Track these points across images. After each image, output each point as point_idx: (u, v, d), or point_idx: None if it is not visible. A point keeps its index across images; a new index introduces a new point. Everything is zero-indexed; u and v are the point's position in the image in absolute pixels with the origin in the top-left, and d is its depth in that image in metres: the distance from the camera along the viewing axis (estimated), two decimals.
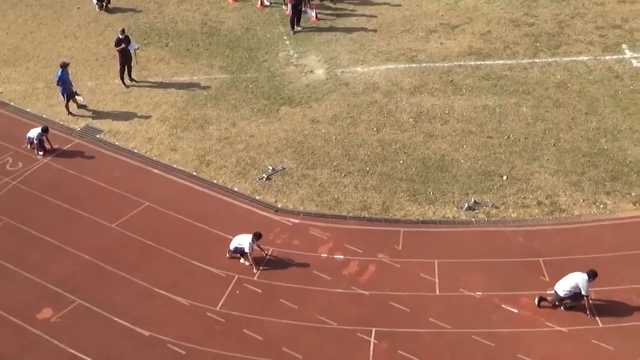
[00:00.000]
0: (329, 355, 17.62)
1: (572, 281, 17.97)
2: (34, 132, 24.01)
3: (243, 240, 19.72)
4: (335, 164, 23.35)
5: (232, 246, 19.90)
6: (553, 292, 18.29)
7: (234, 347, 17.89)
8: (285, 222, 21.44)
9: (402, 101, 25.86)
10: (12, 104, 26.84)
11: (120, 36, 27.00)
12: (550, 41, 28.66)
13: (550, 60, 27.60)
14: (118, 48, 26.96)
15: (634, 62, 27.27)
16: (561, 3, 31.05)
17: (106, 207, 22.03)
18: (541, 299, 18.43)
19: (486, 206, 21.55)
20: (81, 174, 23.41)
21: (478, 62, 27.69)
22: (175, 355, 17.77)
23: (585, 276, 17.92)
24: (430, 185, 22.36)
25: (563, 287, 18.03)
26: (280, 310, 18.76)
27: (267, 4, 32.36)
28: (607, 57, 27.59)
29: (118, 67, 27.42)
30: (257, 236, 19.77)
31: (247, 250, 19.63)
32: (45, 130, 24.08)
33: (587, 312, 18.14)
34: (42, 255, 20.54)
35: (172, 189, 22.77)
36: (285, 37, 30.07)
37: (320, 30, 30.40)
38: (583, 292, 17.88)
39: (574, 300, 18.13)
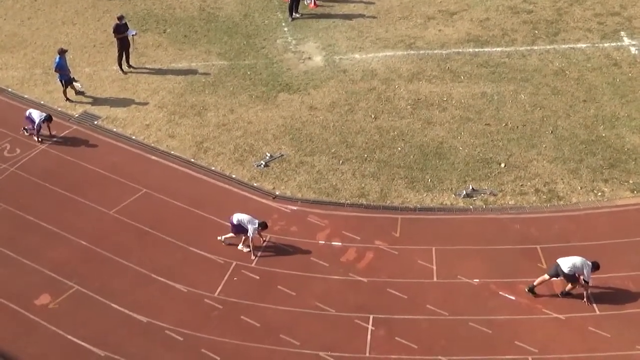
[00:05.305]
0: (327, 342, 17.66)
1: (578, 262, 17.89)
2: (37, 116, 23.77)
3: (244, 220, 19.56)
4: (333, 151, 23.34)
5: (234, 220, 19.65)
6: (554, 264, 18.20)
7: (232, 333, 17.92)
8: (283, 209, 21.45)
9: (400, 88, 25.82)
10: (9, 90, 26.74)
11: (120, 23, 26.84)
12: (548, 28, 28.60)
13: (548, 47, 27.55)
14: (118, 35, 26.82)
15: (632, 49, 27.23)
16: None
17: (104, 194, 22.01)
18: (531, 289, 18.46)
19: (484, 193, 21.57)
20: (79, 161, 23.37)
21: (476, 49, 27.64)
22: (172, 342, 17.81)
23: (589, 263, 17.95)
24: (428, 173, 22.37)
25: (567, 264, 17.91)
26: (278, 297, 18.80)
27: None
28: (606, 45, 27.55)
29: (116, 54, 27.32)
30: (262, 225, 19.72)
31: (250, 234, 19.55)
32: (48, 119, 23.89)
33: (585, 300, 18.21)
34: (39, 241, 20.54)
35: (170, 175, 22.74)
36: (283, 24, 29.97)
37: (318, 16, 30.31)
38: (584, 278, 17.90)
39: (570, 280, 18.10)
